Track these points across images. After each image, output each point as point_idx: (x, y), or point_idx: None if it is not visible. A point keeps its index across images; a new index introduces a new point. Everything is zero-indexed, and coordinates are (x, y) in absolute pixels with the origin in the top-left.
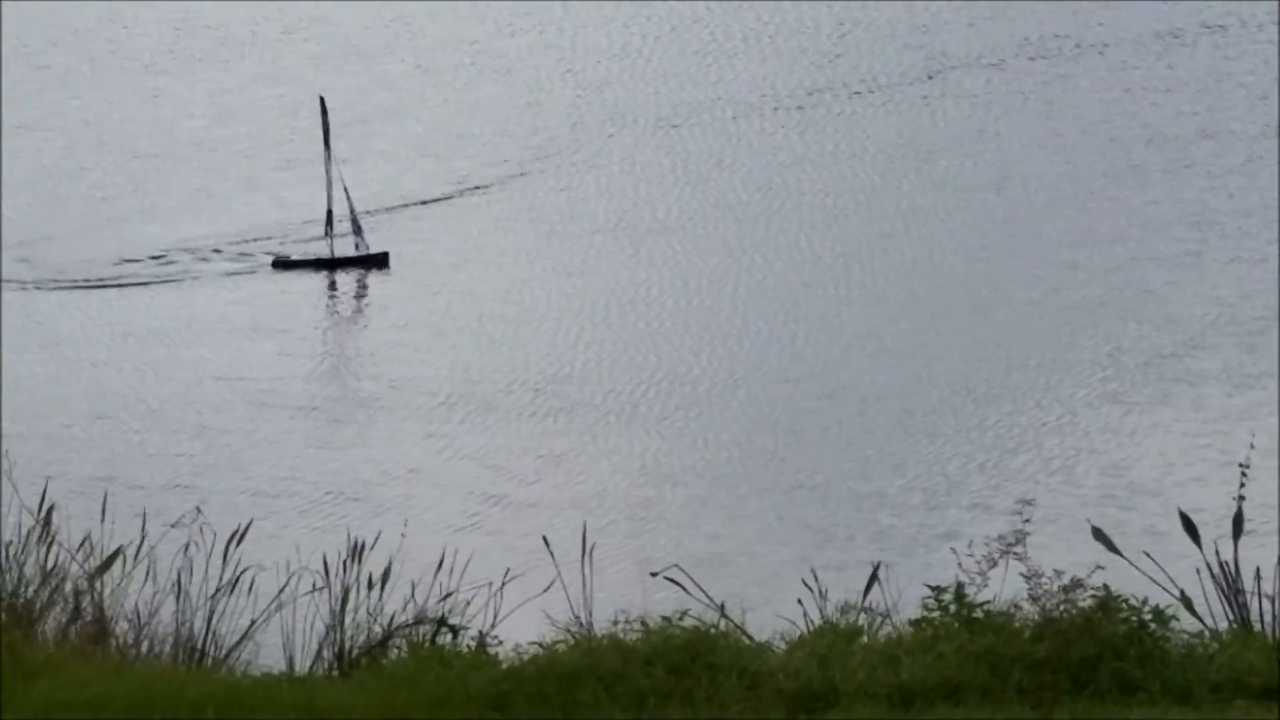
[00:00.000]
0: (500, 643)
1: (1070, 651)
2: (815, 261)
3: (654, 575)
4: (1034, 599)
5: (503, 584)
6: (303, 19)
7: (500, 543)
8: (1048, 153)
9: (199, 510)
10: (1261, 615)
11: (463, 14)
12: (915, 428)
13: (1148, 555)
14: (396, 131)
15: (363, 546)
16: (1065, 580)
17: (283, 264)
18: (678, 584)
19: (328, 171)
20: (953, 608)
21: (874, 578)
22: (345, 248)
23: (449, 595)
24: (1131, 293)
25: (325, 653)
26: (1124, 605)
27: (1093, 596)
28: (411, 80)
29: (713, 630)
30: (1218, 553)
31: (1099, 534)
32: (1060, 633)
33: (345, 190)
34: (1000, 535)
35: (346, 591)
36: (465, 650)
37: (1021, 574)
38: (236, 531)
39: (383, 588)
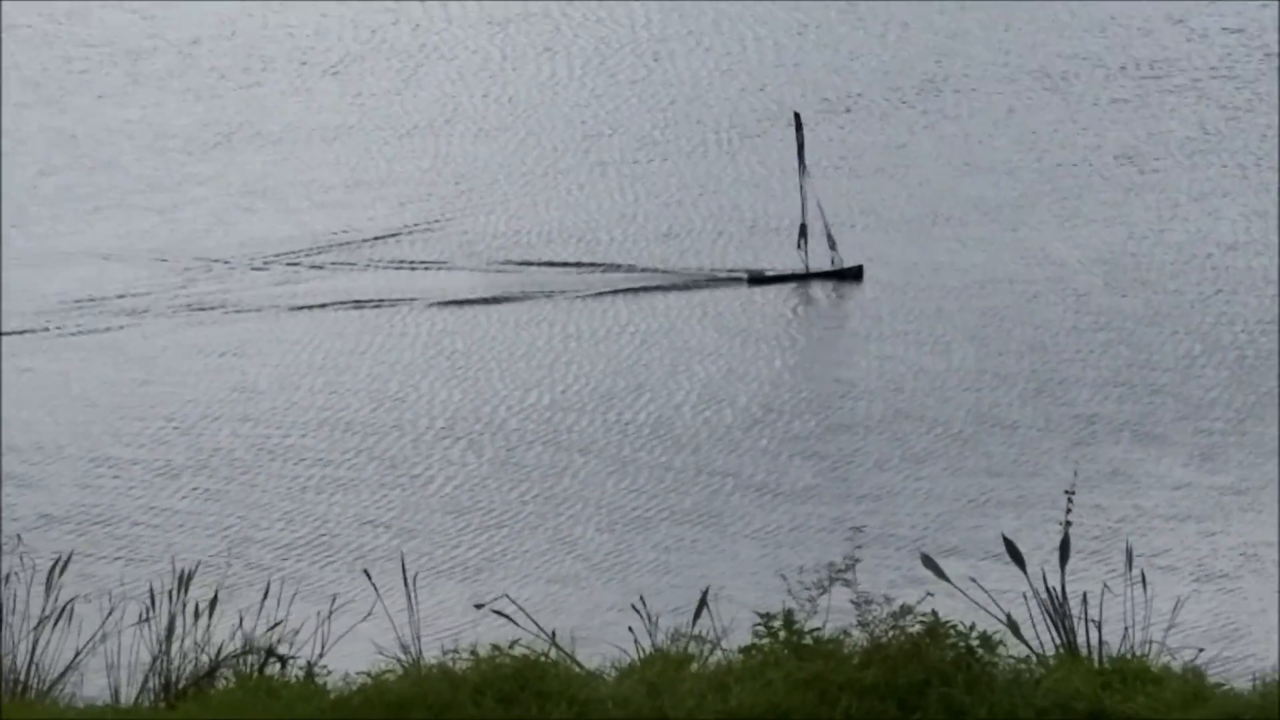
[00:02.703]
0: (329, 672)
1: (898, 677)
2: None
3: (479, 607)
4: (863, 625)
5: (329, 613)
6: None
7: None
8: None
9: (19, 539)
10: (1088, 640)
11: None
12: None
13: (974, 581)
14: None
15: (190, 576)
16: (894, 606)
17: (758, 279)
18: (505, 615)
19: (802, 186)
20: (782, 634)
21: (703, 603)
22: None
23: (277, 625)
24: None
25: (151, 683)
26: (952, 631)
27: (921, 623)
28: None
29: (543, 659)
30: (1045, 579)
31: (928, 561)
32: (888, 659)
33: (819, 204)
34: (830, 562)
35: (173, 620)
36: (294, 680)
37: (851, 600)
38: (56, 563)
39: (210, 616)
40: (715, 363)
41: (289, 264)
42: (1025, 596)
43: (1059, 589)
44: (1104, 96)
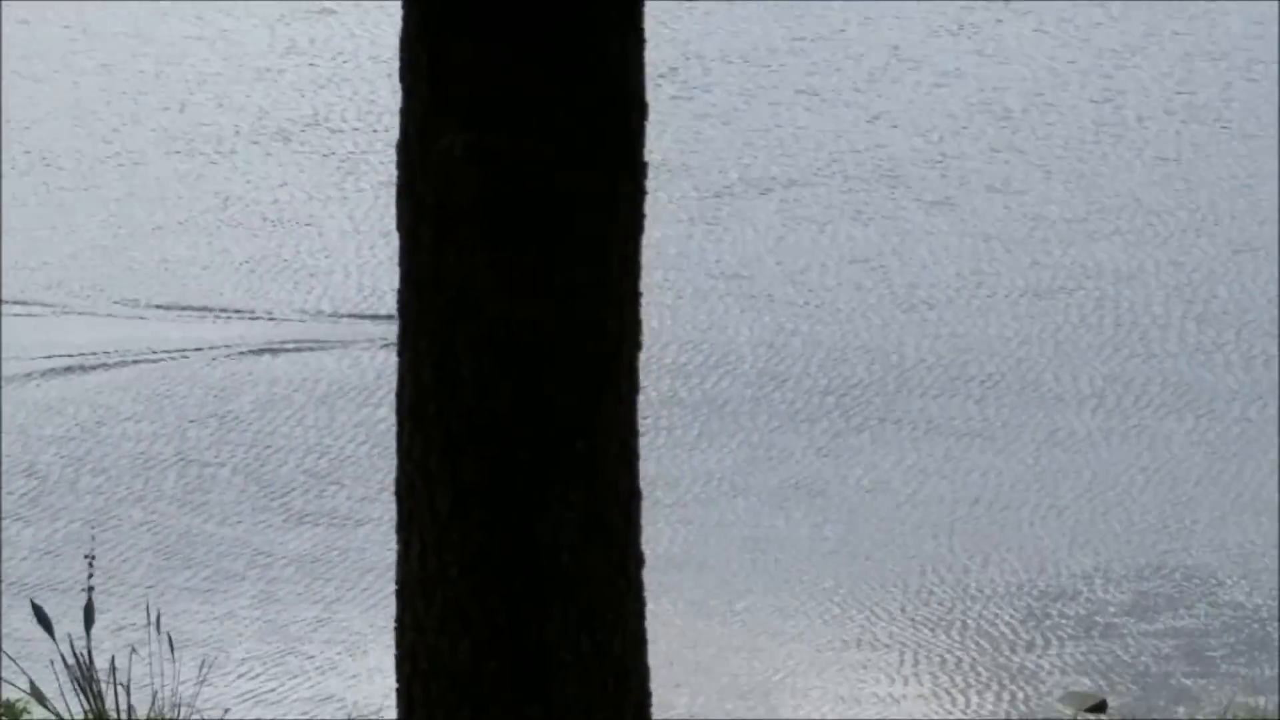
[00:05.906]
0: None
1: None
2: None
3: None
4: None
5: None
6: None
7: None
8: None
9: None
10: (118, 704)
11: None
12: None
13: (5, 653)
14: None
15: None
16: None
17: None
18: None
19: None
20: None
21: None
22: None
23: None
24: None
25: None
26: None
27: None
28: None
29: None
30: (72, 644)
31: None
32: None
33: None
34: None
35: None
36: None
37: None
38: None
39: None
40: None
41: None
42: (52, 664)
43: (86, 653)
44: None
